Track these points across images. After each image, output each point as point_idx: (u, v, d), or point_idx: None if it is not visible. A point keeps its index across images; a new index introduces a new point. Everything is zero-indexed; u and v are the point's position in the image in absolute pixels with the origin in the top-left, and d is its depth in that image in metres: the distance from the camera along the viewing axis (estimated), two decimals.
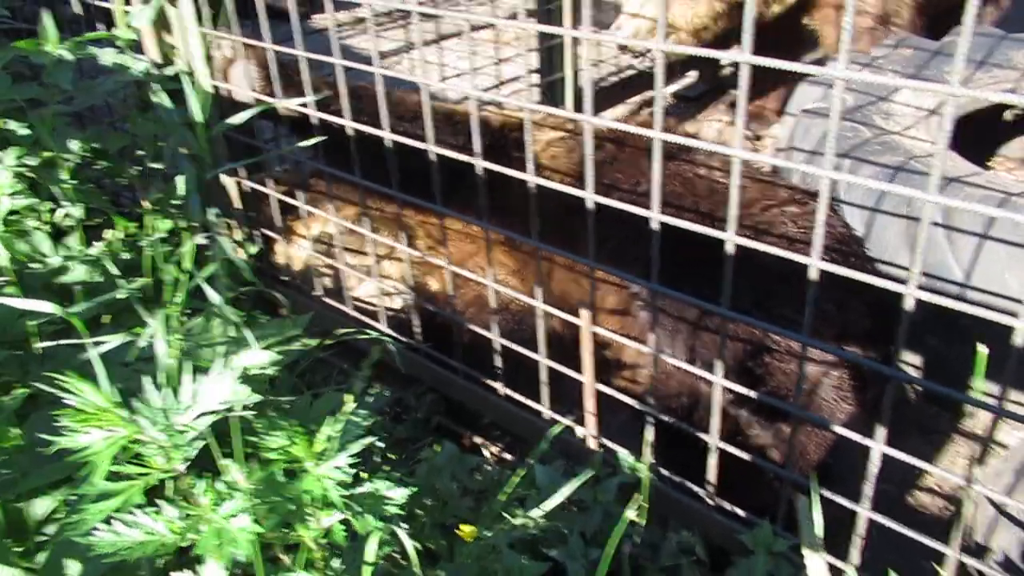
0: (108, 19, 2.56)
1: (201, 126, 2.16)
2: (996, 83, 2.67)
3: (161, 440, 1.00)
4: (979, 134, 3.06)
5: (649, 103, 4.50)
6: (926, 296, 1.14)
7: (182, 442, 1.02)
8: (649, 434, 1.68)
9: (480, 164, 1.66)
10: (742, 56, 1.17)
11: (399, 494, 1.14)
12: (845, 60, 1.09)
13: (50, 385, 1.39)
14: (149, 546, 1.04)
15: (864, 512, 1.37)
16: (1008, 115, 3.12)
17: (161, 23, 2.41)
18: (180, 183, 2.31)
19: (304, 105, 2.03)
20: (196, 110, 2.12)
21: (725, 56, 1.23)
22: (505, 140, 2.34)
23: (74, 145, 2.22)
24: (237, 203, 2.53)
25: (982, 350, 1.09)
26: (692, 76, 4.78)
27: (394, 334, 2.18)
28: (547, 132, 2.42)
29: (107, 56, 2.41)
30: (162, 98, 2.16)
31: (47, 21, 2.22)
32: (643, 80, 4.39)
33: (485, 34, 4.60)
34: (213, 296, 1.49)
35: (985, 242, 1.87)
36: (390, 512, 1.12)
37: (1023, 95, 0.99)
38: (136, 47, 2.45)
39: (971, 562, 1.27)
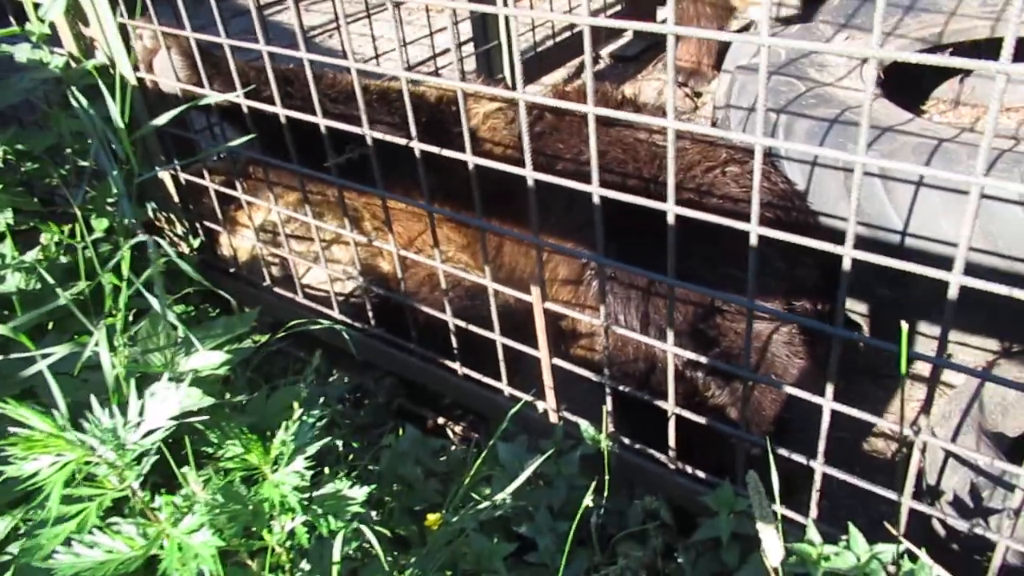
0: (19, 12, 2.45)
1: (124, 126, 2.08)
2: (923, 28, 2.71)
3: (112, 460, 0.98)
4: (910, 78, 3.12)
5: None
6: (862, 256, 1.16)
7: (133, 461, 1.00)
8: (608, 404, 1.70)
9: (418, 147, 1.64)
10: (668, 28, 1.17)
11: (361, 492, 1.14)
12: (767, 27, 1.09)
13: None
14: (110, 566, 1.03)
15: (819, 467, 1.41)
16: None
17: (76, 14, 2.32)
18: (114, 181, 2.25)
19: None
20: (115, 111, 2.04)
21: (653, 28, 1.22)
22: (443, 115, 2.32)
23: None
24: (175, 197, 2.47)
25: (904, 326, 1.12)
26: (628, 35, 4.77)
27: (347, 320, 2.16)
28: (484, 104, 2.40)
29: (22, 52, 2.31)
30: (79, 97, 2.08)
31: None
32: (581, 42, 4.36)
33: (416, 2, 4.51)
34: (154, 303, 1.46)
35: (920, 190, 1.91)
36: (353, 511, 1.12)
37: (941, 55, 1.01)
38: (52, 41, 2.35)
39: (922, 508, 1.31)
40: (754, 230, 1.25)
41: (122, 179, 2.01)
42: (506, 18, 3.69)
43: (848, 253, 1.16)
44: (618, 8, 4.77)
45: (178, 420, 1.08)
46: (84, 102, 2.07)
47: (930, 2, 2.79)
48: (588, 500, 1.48)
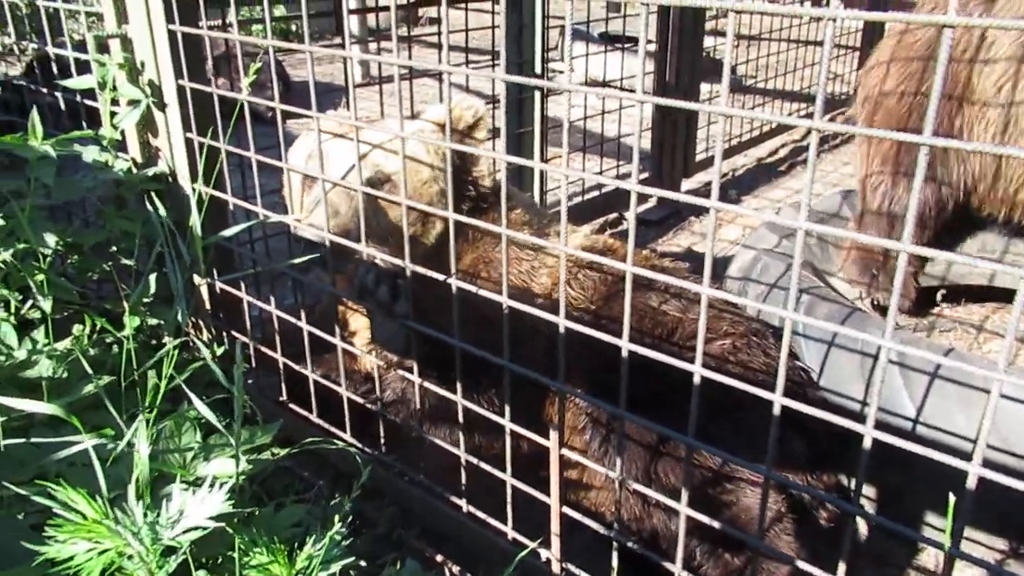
0: (91, 116, 2.61)
1: (197, 234, 2.18)
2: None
3: (144, 555, 0.98)
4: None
5: (612, 225, 4.66)
6: (883, 436, 1.20)
7: (165, 558, 1.00)
8: (614, 560, 1.69)
9: (508, 303, 1.71)
10: (711, 202, 1.26)
11: None
12: (805, 212, 1.18)
13: (15, 485, 1.37)
14: None
15: None
16: None
17: (147, 126, 2.47)
18: (152, 282, 2.32)
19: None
20: (196, 219, 2.15)
21: (692, 200, 1.33)
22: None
23: (50, 239, 2.22)
24: (207, 304, 2.54)
25: (952, 499, 1.14)
26: (653, 201, 4.98)
27: (359, 444, 2.17)
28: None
29: (90, 153, 2.46)
30: (156, 202, 2.20)
31: (35, 117, 2.27)
32: (608, 202, 4.56)
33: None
34: (201, 406, 1.49)
35: (937, 381, 1.96)
36: None
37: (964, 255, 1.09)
38: (119, 145, 2.50)
39: None
40: (778, 400, 1.30)
41: (181, 283, 2.08)
42: (542, 173, 3.89)
43: (869, 432, 1.20)
44: (646, 175, 5.01)
45: (210, 523, 1.09)
46: (160, 207, 2.18)
47: None
48: None
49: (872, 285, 3.00)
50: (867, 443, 1.21)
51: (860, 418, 1.21)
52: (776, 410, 1.31)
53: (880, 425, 1.86)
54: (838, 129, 1.17)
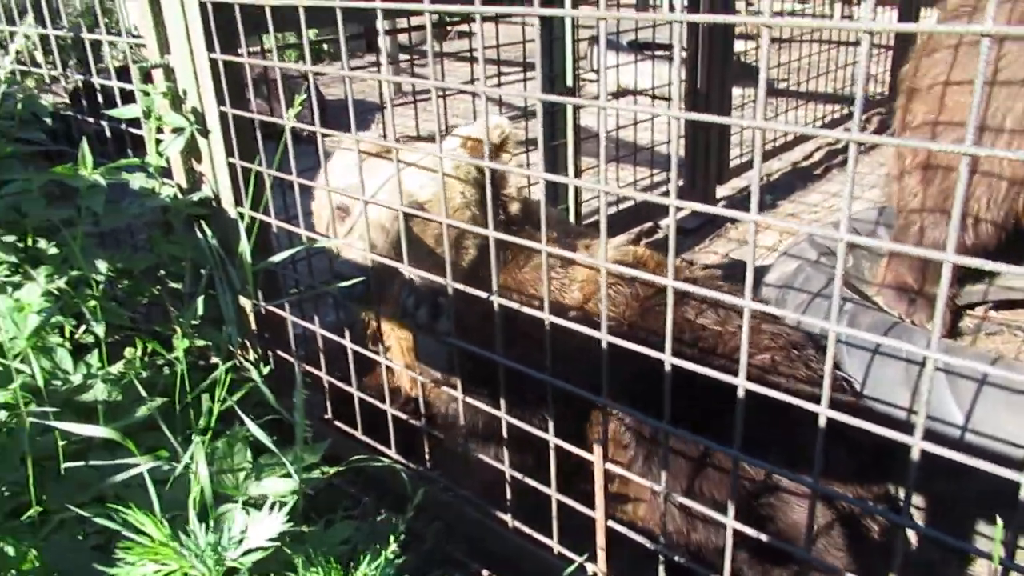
0: (137, 144, 2.69)
1: (247, 260, 2.23)
2: None
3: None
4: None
5: (647, 234, 4.65)
6: (931, 447, 1.19)
7: None
8: (661, 574, 1.69)
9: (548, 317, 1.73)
10: (751, 216, 1.27)
11: None
12: (846, 222, 1.19)
13: (75, 507, 1.42)
14: None
15: None
16: None
17: (191, 152, 2.54)
18: (200, 305, 2.38)
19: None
20: (245, 244, 2.20)
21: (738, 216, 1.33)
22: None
23: (102, 265, 2.29)
24: (253, 325, 2.59)
25: (1000, 522, 1.13)
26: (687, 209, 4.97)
27: (404, 461, 2.20)
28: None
29: (137, 180, 2.53)
30: (204, 228, 2.26)
31: (85, 148, 2.34)
32: (642, 211, 4.56)
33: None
34: (255, 429, 1.53)
35: (984, 387, 1.94)
36: None
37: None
38: (164, 172, 2.57)
39: None
40: (824, 412, 1.30)
41: (232, 307, 2.13)
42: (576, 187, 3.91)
43: (917, 444, 1.19)
44: (680, 183, 5.00)
45: (271, 544, 1.12)
46: (210, 233, 2.23)
47: None
48: None
49: (909, 311, 2.95)
50: (915, 454, 1.21)
51: (907, 428, 1.20)
52: (822, 422, 1.31)
53: (928, 434, 1.84)
54: (877, 141, 1.17)
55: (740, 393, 1.40)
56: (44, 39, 2.94)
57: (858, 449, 1.99)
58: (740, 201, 5.22)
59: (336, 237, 2.15)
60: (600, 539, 1.78)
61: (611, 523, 1.77)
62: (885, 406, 2.18)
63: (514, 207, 2.37)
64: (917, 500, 2.20)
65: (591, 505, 1.76)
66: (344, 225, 2.19)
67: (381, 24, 1.84)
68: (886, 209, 3.35)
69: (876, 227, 3.32)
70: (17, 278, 2.20)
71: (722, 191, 5.20)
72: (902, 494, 2.09)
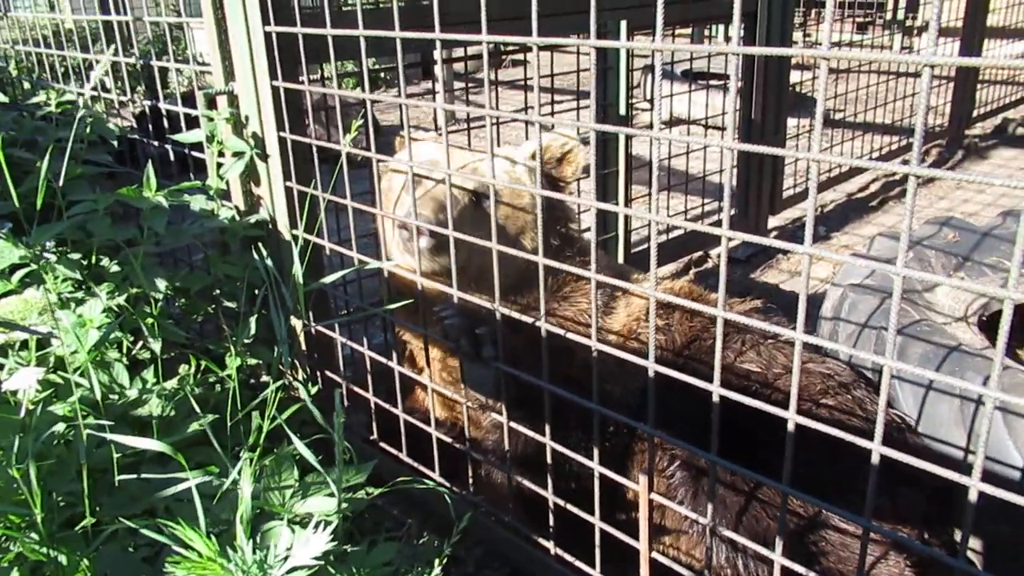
0: (198, 167, 2.78)
1: (299, 282, 2.28)
2: None
3: None
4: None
5: (696, 263, 4.62)
6: (989, 489, 1.16)
7: None
8: None
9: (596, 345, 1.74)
10: (804, 248, 1.26)
11: None
12: (903, 259, 1.17)
13: (127, 519, 1.45)
14: None
15: None
16: None
17: (250, 175, 2.61)
18: (253, 324, 2.43)
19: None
20: (298, 267, 2.25)
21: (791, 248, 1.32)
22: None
23: (161, 284, 2.36)
24: (303, 345, 2.64)
25: None
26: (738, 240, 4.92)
27: (447, 484, 2.20)
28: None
29: (198, 203, 2.60)
30: (261, 250, 2.32)
31: (150, 171, 2.41)
32: (687, 239, 4.53)
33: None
34: (302, 448, 1.56)
35: None
36: None
37: None
38: (223, 194, 2.64)
39: None
40: (876, 448, 1.27)
41: (284, 327, 2.17)
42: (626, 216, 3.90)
43: (975, 485, 1.16)
44: (732, 212, 4.95)
45: (315, 563, 1.13)
46: (265, 254, 2.28)
47: None
48: None
49: None
50: (972, 496, 1.17)
51: (964, 468, 1.17)
52: (875, 459, 1.28)
53: (986, 475, 1.79)
54: (937, 175, 1.15)
55: (790, 427, 1.37)
56: (115, 65, 3.06)
57: (916, 490, 1.94)
58: (792, 232, 5.15)
59: (390, 260, 2.18)
60: (644, 571, 1.75)
61: (655, 555, 1.74)
62: (939, 443, 2.12)
63: (575, 226, 2.43)
64: (976, 544, 2.12)
65: (628, 533, 1.74)
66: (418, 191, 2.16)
67: (440, 54, 1.88)
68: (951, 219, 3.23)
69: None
70: (80, 294, 2.28)
71: (774, 221, 5.14)
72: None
